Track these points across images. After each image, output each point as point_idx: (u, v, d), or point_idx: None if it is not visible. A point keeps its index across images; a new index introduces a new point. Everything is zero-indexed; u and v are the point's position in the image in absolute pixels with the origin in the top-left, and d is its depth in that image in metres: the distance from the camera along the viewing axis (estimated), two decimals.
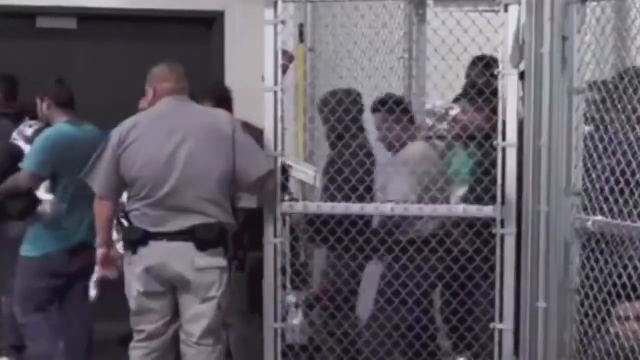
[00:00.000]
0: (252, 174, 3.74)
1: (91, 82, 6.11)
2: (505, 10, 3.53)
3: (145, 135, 3.78)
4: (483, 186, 3.72)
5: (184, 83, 3.95)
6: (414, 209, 3.78)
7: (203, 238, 3.70)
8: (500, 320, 3.59)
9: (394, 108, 4.02)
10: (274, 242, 3.75)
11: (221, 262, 3.76)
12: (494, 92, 3.64)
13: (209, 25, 6.35)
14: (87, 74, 6.17)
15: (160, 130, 3.78)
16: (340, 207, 3.78)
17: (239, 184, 3.81)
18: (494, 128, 3.63)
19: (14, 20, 6.13)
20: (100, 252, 3.94)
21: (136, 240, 3.77)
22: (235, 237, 3.92)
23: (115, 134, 3.83)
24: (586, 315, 3.33)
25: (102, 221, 3.89)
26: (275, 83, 3.71)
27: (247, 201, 3.80)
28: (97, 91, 5.96)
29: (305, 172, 3.88)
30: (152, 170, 3.72)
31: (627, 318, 3.15)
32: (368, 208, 3.78)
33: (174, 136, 3.74)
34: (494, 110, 3.64)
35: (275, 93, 3.72)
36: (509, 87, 3.54)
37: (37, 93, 4.67)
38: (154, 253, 3.74)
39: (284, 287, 3.80)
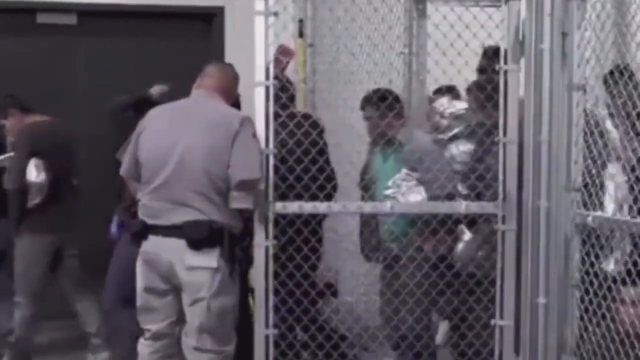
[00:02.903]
0: (235, 176, 3.61)
1: (92, 79, 6.12)
2: (506, 5, 3.52)
3: (156, 123, 3.82)
4: None
5: (218, 81, 3.88)
6: (413, 207, 3.78)
7: (193, 236, 3.61)
8: (501, 316, 3.58)
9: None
10: (265, 244, 3.54)
11: (212, 262, 3.62)
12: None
13: (209, 21, 6.33)
14: (87, 70, 6.18)
15: (169, 121, 3.79)
16: (337, 207, 3.72)
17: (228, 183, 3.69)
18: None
19: (14, 16, 6.10)
20: None
21: (138, 232, 3.78)
22: (235, 238, 3.76)
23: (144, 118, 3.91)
24: (586, 311, 3.32)
25: (133, 199, 3.94)
26: (267, 77, 3.54)
27: (242, 202, 3.65)
28: (98, 87, 5.96)
29: None
30: (152, 159, 3.74)
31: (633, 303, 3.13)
32: (366, 207, 3.75)
33: (178, 129, 3.73)
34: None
35: (266, 88, 3.54)
36: (509, 82, 3.53)
37: None
38: (151, 247, 3.73)
39: (276, 291, 3.61)
